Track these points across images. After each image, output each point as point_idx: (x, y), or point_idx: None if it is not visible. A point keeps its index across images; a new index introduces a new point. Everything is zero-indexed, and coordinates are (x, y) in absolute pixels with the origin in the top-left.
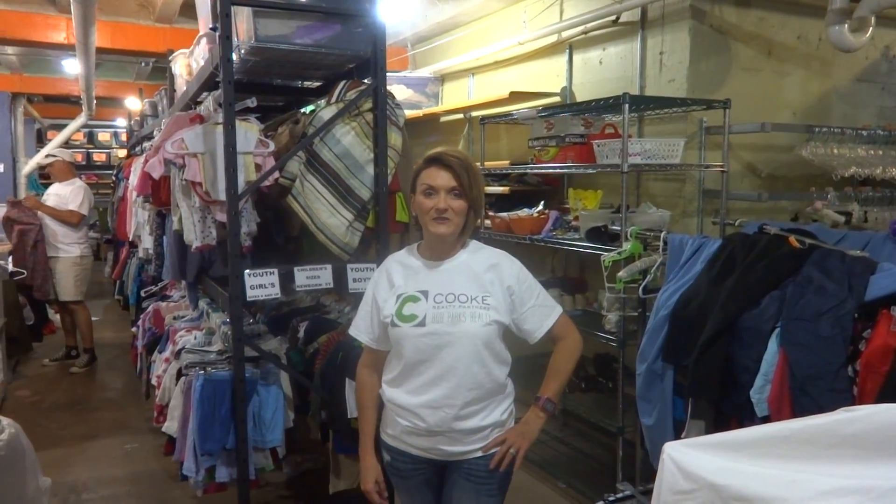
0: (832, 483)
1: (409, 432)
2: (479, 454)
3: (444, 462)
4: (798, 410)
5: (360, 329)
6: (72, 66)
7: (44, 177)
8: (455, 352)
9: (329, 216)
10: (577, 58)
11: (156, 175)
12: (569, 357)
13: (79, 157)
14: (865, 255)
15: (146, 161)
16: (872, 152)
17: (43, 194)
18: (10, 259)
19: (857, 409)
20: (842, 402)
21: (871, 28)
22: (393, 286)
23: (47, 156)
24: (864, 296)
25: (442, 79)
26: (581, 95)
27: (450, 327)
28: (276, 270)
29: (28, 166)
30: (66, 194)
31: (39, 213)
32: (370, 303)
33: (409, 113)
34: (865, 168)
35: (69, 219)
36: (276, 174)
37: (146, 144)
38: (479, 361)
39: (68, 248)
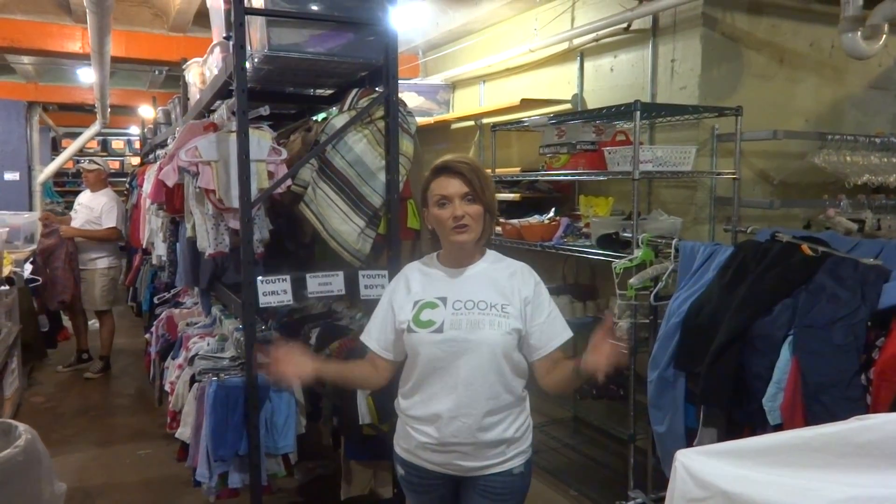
0: (845, 492)
1: (424, 447)
2: (496, 470)
3: (460, 477)
4: (811, 419)
5: (371, 335)
6: (86, 75)
7: (59, 185)
8: (472, 360)
9: (341, 223)
10: (588, 65)
11: (170, 183)
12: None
13: None
14: (879, 263)
15: (160, 169)
16: (886, 160)
17: (61, 202)
18: (28, 266)
19: (870, 418)
20: (855, 411)
21: (884, 35)
22: (410, 293)
23: (91, 161)
24: (878, 304)
25: (453, 86)
26: (592, 103)
27: (468, 334)
28: (288, 277)
29: (43, 174)
30: (97, 208)
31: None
32: (385, 309)
33: (420, 120)
34: (879, 176)
35: (107, 237)
36: (289, 181)
37: (159, 152)
38: (497, 371)
39: (96, 260)
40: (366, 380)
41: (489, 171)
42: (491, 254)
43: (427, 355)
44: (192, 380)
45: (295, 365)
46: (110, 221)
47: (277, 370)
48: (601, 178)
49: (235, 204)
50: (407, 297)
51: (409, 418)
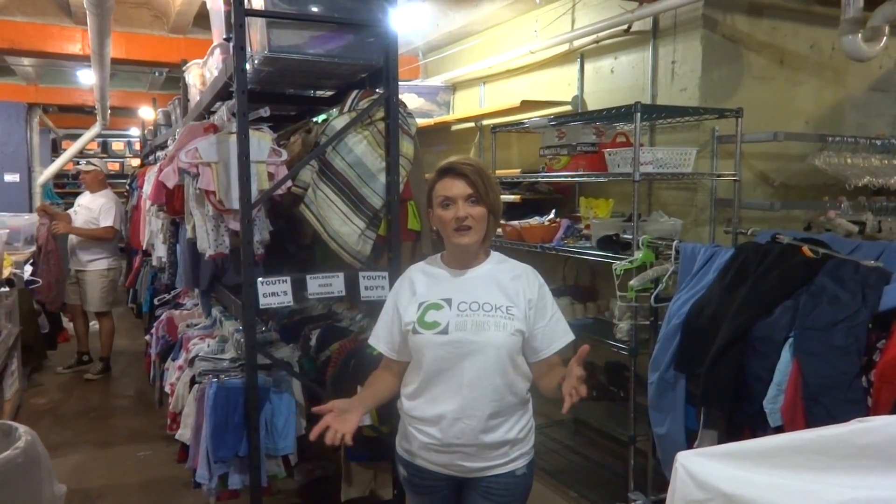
0: (846, 494)
1: (427, 448)
2: (499, 471)
3: (463, 478)
4: (811, 421)
5: (380, 338)
6: (87, 77)
7: (59, 186)
8: (478, 362)
9: (341, 224)
10: (588, 67)
11: (170, 184)
12: None
13: None
14: (880, 265)
15: (160, 170)
16: (886, 162)
17: (61, 204)
18: (29, 268)
19: (871, 420)
20: (856, 413)
21: (884, 37)
22: (415, 294)
23: (88, 162)
24: (879, 306)
25: (453, 87)
26: (592, 104)
27: (473, 336)
28: (288, 278)
29: (43, 176)
30: (96, 208)
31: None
32: (391, 311)
33: (420, 122)
34: (879, 178)
35: (104, 236)
36: (289, 183)
37: (160, 154)
38: (501, 372)
39: (95, 261)
40: (392, 390)
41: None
42: (495, 255)
43: (432, 357)
44: (193, 381)
45: (346, 422)
46: (107, 221)
47: (334, 433)
48: (601, 179)
49: (235, 205)
50: (412, 298)
51: (413, 419)
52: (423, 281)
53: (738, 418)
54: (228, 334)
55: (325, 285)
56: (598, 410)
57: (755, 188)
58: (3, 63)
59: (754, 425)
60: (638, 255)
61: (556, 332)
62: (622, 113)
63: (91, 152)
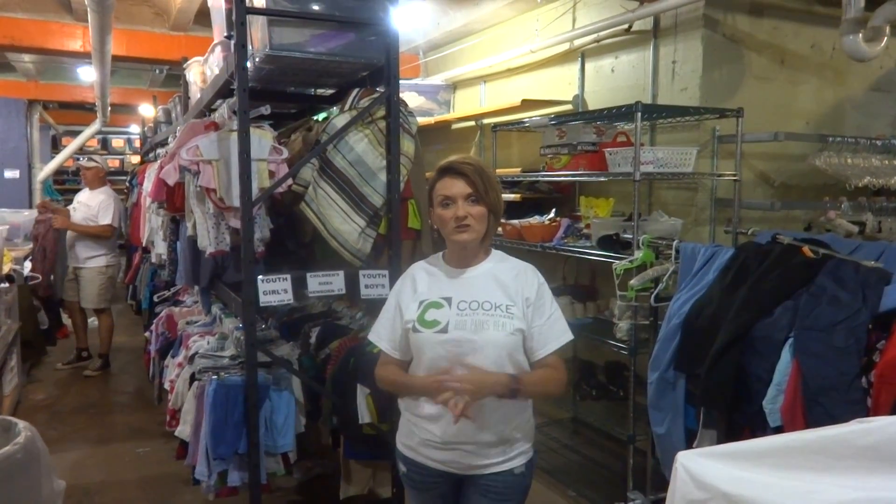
0: (847, 494)
1: (426, 444)
2: (497, 469)
3: (461, 476)
4: (811, 421)
5: (381, 336)
6: (87, 74)
7: (59, 183)
8: (477, 360)
9: (342, 222)
10: (589, 66)
11: (171, 181)
12: (556, 382)
13: None
14: (880, 265)
15: (161, 168)
16: (886, 162)
17: (61, 200)
18: (29, 263)
19: (872, 421)
20: (856, 414)
21: (885, 38)
22: (416, 292)
23: (90, 159)
24: (879, 307)
25: (454, 86)
26: (593, 103)
27: (472, 335)
28: (288, 276)
29: (43, 172)
30: (95, 205)
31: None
32: (393, 309)
33: (421, 120)
34: (880, 178)
35: (102, 233)
36: (290, 181)
37: (160, 151)
38: (500, 371)
39: (94, 258)
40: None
41: None
42: (496, 253)
43: (432, 355)
44: (192, 378)
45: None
46: (106, 219)
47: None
48: (602, 179)
49: (236, 203)
50: (413, 296)
51: (413, 416)
52: (424, 279)
53: (737, 418)
54: (228, 332)
55: (325, 283)
56: (597, 410)
57: (755, 188)
58: (4, 59)
59: (754, 425)
60: (638, 254)
61: (552, 331)
62: (623, 112)
63: (91, 149)
